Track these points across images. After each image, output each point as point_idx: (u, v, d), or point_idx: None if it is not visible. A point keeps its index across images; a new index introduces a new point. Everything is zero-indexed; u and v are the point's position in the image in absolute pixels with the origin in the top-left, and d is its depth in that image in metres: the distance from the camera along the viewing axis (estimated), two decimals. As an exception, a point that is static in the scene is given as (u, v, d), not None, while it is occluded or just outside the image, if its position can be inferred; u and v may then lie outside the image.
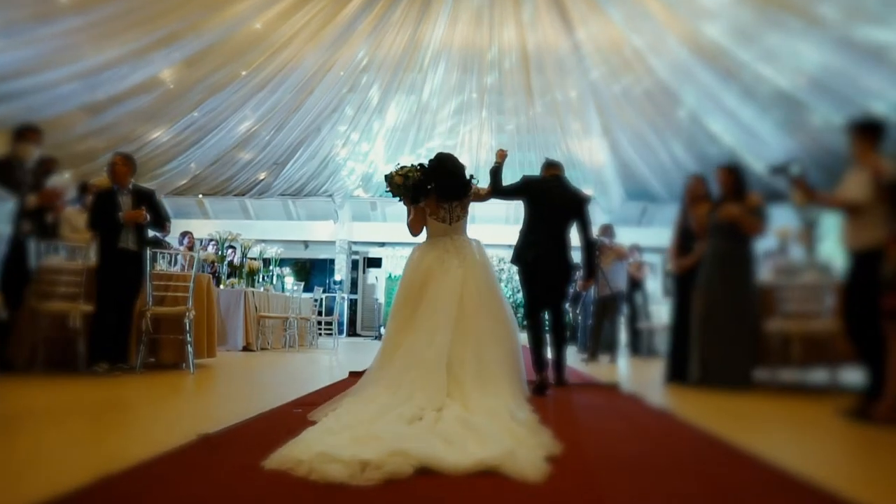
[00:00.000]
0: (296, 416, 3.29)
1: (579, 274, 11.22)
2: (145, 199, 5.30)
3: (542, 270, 4.86)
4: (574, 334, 10.93)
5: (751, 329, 4.97)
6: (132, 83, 11.95)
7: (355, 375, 4.86)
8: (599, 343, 8.36)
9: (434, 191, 3.94)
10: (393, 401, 3.07)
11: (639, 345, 9.54)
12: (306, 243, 20.13)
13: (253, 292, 9.31)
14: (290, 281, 10.96)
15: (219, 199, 18.60)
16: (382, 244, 19.33)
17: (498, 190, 4.72)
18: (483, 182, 4.62)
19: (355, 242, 19.20)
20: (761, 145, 13.13)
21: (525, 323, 5.11)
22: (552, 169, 5.22)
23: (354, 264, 19.67)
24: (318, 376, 5.84)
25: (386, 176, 4.11)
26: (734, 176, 5.20)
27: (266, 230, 18.35)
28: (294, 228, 19.21)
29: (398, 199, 4.07)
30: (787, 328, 4.70)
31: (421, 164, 4.05)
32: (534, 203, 4.95)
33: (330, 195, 18.32)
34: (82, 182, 6.40)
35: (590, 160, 16.12)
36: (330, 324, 12.22)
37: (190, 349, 5.39)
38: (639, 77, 13.46)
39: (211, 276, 9.22)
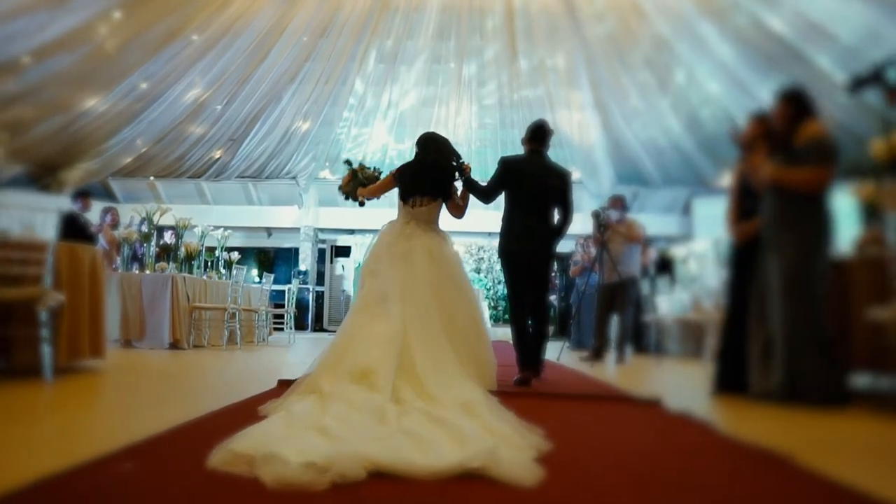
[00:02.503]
0: (114, 477, 1.77)
1: (574, 260, 9.88)
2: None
3: (528, 263, 4.49)
4: (566, 328, 9.51)
5: (819, 321, 3.47)
6: (53, 35, 10.22)
7: (285, 385, 3.68)
8: (605, 339, 6.88)
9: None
10: (346, 391, 2.80)
11: (645, 341, 8.08)
12: (269, 231, 18.60)
13: (184, 278, 7.70)
14: (242, 269, 9.29)
15: (173, 182, 16.97)
16: (352, 231, 17.73)
17: (486, 194, 4.42)
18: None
19: (322, 230, 17.67)
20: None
21: (511, 322, 4.66)
22: (534, 141, 4.68)
23: (321, 253, 18.11)
24: (233, 386, 4.29)
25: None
26: (794, 106, 3.66)
27: (225, 216, 16.98)
28: (255, 214, 17.72)
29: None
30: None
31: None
32: (513, 188, 4.55)
33: (293, 177, 16.73)
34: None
35: (579, 138, 14.70)
36: (290, 317, 10.69)
37: (47, 349, 3.79)
38: (638, 39, 12.04)
39: (124, 254, 7.71)
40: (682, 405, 3.39)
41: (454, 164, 4.02)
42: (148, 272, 7.82)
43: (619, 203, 7.16)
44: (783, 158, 3.59)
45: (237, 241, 19.01)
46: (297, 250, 17.64)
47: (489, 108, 14.71)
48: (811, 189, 3.52)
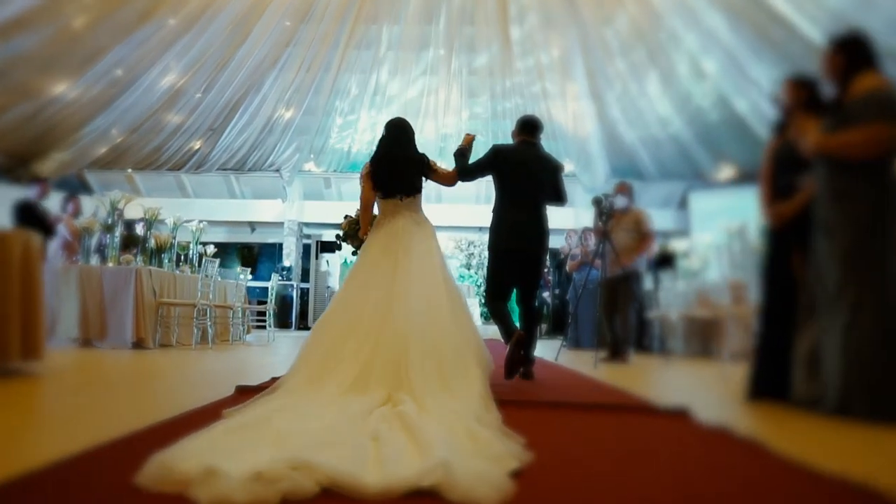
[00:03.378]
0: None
1: (571, 254, 9.32)
2: None
3: (520, 260, 4.24)
4: (562, 327, 8.95)
5: (884, 315, 2.81)
6: (15, 11, 9.54)
7: (245, 392, 3.20)
8: (617, 336, 6.29)
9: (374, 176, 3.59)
10: (317, 393, 2.65)
11: (647, 339, 7.53)
12: (253, 225, 17.97)
13: (150, 272, 7.09)
14: (214, 263, 8.65)
15: (151, 175, 16.34)
16: (338, 226, 17.06)
17: (465, 171, 4.10)
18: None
19: (307, 224, 17.04)
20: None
21: (490, 311, 4.34)
22: (524, 133, 4.48)
23: (306, 249, 17.47)
24: (187, 393, 3.71)
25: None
26: (849, 55, 2.99)
27: (207, 210, 16.49)
28: (238, 208, 17.14)
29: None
30: None
31: None
32: (504, 178, 4.30)
33: (277, 170, 16.10)
34: None
35: (574, 129, 14.15)
36: (269, 314, 10.08)
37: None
38: (639, 27, 11.50)
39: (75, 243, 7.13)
40: (706, 412, 2.84)
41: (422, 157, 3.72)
42: (111, 265, 7.20)
43: (625, 189, 6.59)
44: (833, 122, 3.00)
45: (219, 236, 18.35)
46: (281, 246, 17.03)
47: (480, 96, 14.14)
48: (869, 152, 2.86)
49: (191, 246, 9.68)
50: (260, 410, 2.38)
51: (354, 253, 4.10)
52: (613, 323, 6.28)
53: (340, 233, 4.36)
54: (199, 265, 9.02)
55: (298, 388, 2.72)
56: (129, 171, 16.18)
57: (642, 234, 6.36)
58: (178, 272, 8.11)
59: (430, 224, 3.55)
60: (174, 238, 8.62)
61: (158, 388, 3.96)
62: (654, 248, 7.91)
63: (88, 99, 12.56)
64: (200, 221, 9.78)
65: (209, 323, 7.48)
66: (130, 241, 7.93)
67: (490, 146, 4.40)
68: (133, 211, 8.31)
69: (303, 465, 1.61)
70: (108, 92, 12.53)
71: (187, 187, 16.83)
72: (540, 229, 4.26)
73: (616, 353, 6.22)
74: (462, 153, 4.13)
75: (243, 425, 2.09)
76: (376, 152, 3.66)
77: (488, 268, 4.42)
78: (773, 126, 3.52)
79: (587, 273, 7.29)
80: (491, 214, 4.33)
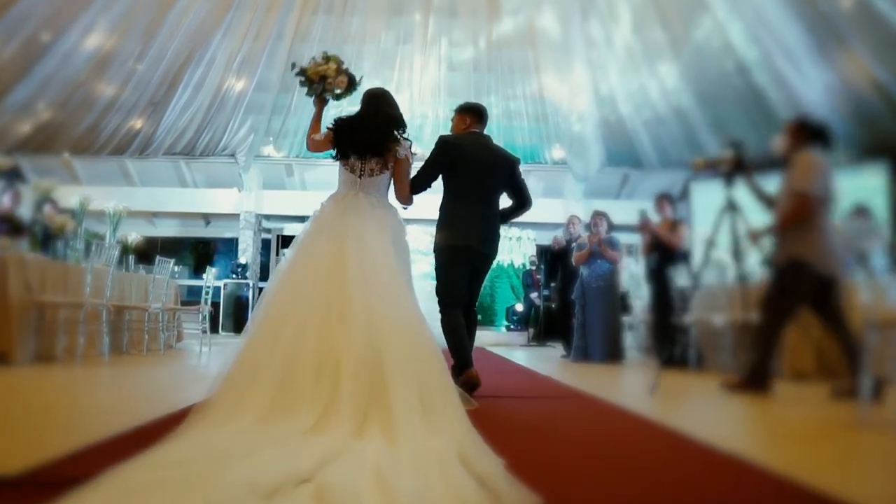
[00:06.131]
0: None
1: (577, 243, 7.63)
2: None
3: (472, 257, 3.86)
4: (566, 334, 7.27)
5: None
6: None
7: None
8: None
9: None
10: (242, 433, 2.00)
11: (676, 350, 5.83)
12: (207, 218, 16.14)
13: (24, 261, 5.27)
14: (113, 248, 6.85)
15: (91, 160, 14.39)
16: (302, 218, 15.28)
17: (417, 181, 3.63)
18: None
19: (266, 216, 15.28)
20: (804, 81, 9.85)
21: (443, 324, 3.82)
22: (471, 121, 4.00)
23: (265, 244, 15.75)
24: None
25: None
26: None
27: (155, 200, 14.68)
28: (190, 198, 15.34)
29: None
30: None
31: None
32: (456, 170, 3.85)
33: (231, 154, 14.28)
34: None
35: (567, 108, 12.58)
36: (211, 318, 8.33)
37: None
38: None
39: None
40: None
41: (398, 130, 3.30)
42: (-28, 252, 5.37)
43: (798, 133, 4.05)
44: None
45: (171, 229, 16.52)
46: (237, 240, 15.27)
47: (461, 70, 12.49)
48: None
49: (108, 234, 7.93)
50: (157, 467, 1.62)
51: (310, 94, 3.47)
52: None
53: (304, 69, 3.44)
54: (122, 259, 7.28)
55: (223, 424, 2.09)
56: (66, 155, 14.24)
57: (791, 194, 3.97)
58: (85, 265, 6.32)
59: (394, 211, 3.14)
60: (80, 224, 6.88)
61: None
62: (684, 232, 6.33)
63: (1, 63, 10.65)
64: (119, 204, 8.01)
65: (105, 329, 5.66)
66: (12, 224, 6.11)
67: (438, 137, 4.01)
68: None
69: None
70: (25, 54, 10.63)
71: (132, 174, 14.98)
72: (492, 227, 3.94)
73: (760, 377, 3.97)
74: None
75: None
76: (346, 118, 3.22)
77: (438, 270, 3.94)
78: None
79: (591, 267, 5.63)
80: (439, 212, 3.94)
